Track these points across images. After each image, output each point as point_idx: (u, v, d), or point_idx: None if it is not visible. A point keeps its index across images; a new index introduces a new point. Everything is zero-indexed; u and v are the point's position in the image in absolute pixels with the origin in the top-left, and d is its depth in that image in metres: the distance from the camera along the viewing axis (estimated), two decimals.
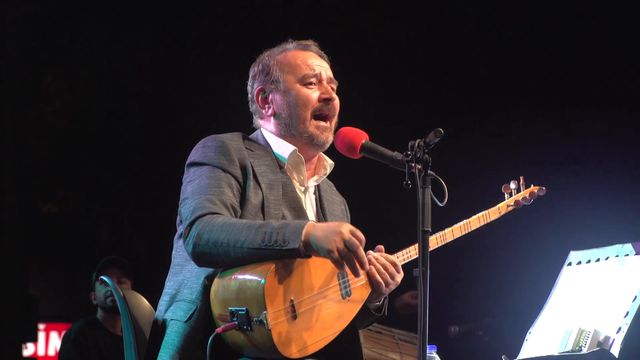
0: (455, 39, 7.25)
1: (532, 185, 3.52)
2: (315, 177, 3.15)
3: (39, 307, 9.40)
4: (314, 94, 3.09)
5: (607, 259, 3.10)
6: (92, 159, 9.48)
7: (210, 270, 2.84)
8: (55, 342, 10.17)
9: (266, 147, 3.09)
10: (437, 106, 7.11)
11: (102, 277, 3.45)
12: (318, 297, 2.79)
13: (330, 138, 3.08)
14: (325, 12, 7.09)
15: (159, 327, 2.90)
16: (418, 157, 2.64)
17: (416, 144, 2.66)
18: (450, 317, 6.29)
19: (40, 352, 10.22)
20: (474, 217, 3.32)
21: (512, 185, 3.48)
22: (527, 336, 3.13)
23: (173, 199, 3.00)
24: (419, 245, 2.59)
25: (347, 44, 6.47)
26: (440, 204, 2.65)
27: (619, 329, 2.86)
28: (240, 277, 2.72)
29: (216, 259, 2.76)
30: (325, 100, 3.09)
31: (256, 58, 3.21)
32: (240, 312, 2.67)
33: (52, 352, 10.23)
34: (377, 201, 7.01)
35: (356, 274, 2.73)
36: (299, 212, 3.00)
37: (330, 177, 3.24)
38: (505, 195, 3.46)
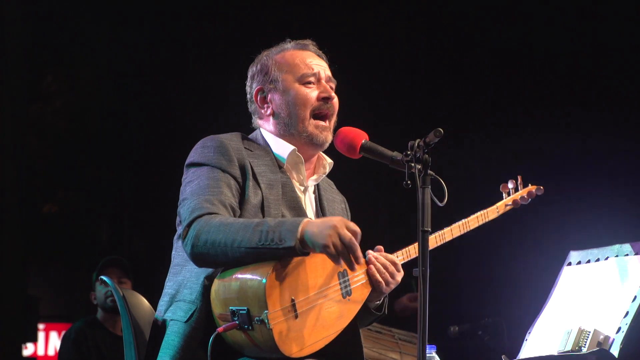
0: (455, 39, 7.25)
1: (529, 185, 3.53)
2: (315, 177, 3.15)
3: (39, 307, 9.40)
4: (312, 93, 3.09)
5: (606, 259, 3.10)
6: (92, 159, 9.48)
7: (209, 270, 2.84)
8: (55, 342, 10.17)
9: (265, 147, 3.09)
10: (436, 106, 7.12)
11: (102, 277, 3.45)
12: (319, 296, 2.79)
13: (330, 137, 3.08)
14: (325, 12, 7.09)
15: (159, 328, 2.90)
16: (418, 157, 2.64)
17: (416, 144, 2.66)
18: (450, 317, 6.29)
19: (40, 352, 10.22)
20: (472, 216, 3.33)
21: (510, 185, 3.50)
22: (527, 336, 3.13)
23: (173, 199, 3.00)
24: (418, 245, 2.59)
25: (347, 44, 6.48)
26: (440, 204, 2.65)
27: (619, 329, 2.86)
28: (241, 276, 2.72)
29: (214, 259, 2.76)
30: (324, 99, 3.09)
31: (254, 58, 3.21)
32: (241, 312, 2.67)
33: (51, 352, 10.23)
34: (377, 201, 7.02)
35: (352, 268, 2.72)
36: (299, 211, 3.00)
37: (329, 176, 3.24)
38: (504, 195, 3.48)
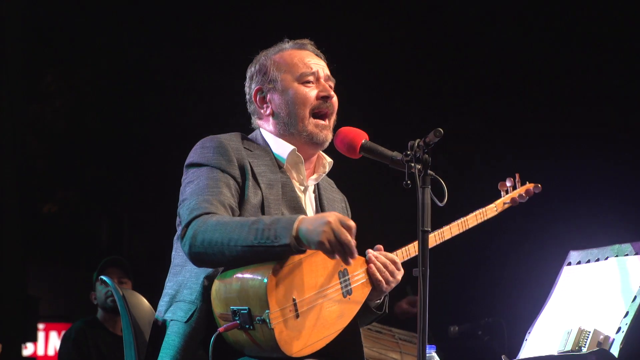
0: (455, 39, 7.25)
1: (527, 183, 3.54)
2: (315, 176, 3.15)
3: (39, 307, 9.40)
4: (312, 92, 3.09)
5: (606, 258, 3.10)
6: (92, 159, 9.49)
7: (209, 270, 2.84)
8: (55, 342, 10.17)
9: (265, 147, 3.08)
10: (436, 106, 7.12)
11: (103, 277, 3.45)
12: (319, 295, 2.79)
13: (329, 136, 3.08)
14: (325, 12, 7.09)
15: (159, 328, 2.90)
16: (418, 157, 2.64)
17: (416, 144, 2.65)
18: (450, 317, 6.29)
19: (40, 352, 10.22)
20: (471, 214, 3.33)
21: (508, 183, 3.51)
22: (527, 336, 3.13)
23: (173, 199, 3.00)
24: (418, 245, 2.59)
25: (346, 44, 6.48)
26: (440, 204, 2.65)
27: (619, 329, 2.86)
28: (242, 276, 2.72)
29: (212, 258, 2.75)
30: (324, 98, 3.09)
31: (253, 59, 3.21)
32: (242, 311, 2.67)
33: (51, 352, 10.23)
34: (377, 201, 7.02)
35: (347, 263, 2.71)
36: (299, 211, 3.00)
37: (329, 176, 3.24)
38: (502, 193, 3.48)
